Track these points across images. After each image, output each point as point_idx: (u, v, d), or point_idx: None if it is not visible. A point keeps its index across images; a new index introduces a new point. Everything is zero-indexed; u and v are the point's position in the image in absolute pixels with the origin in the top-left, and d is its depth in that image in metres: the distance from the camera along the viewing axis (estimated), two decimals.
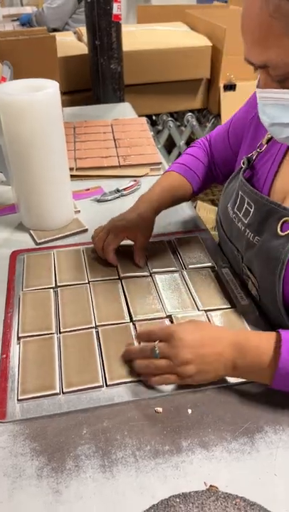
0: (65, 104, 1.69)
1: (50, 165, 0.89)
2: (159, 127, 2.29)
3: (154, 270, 0.81)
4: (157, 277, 0.80)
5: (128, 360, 0.63)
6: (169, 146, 2.42)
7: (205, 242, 0.90)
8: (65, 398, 0.59)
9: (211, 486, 0.50)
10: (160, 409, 0.59)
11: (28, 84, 0.86)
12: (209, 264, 0.83)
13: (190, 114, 2.28)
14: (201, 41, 2.14)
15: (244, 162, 0.74)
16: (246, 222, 0.70)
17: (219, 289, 0.77)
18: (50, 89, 0.83)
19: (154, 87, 2.09)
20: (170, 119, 2.24)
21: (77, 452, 0.54)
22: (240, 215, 0.72)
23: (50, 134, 0.86)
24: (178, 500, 0.46)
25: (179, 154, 2.37)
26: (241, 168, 0.75)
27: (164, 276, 0.80)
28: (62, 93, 1.75)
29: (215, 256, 0.85)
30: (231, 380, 0.61)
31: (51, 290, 0.77)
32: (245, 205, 0.71)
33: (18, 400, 0.59)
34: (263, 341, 0.58)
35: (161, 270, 0.82)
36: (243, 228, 0.71)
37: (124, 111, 1.69)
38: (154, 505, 0.45)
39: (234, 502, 0.46)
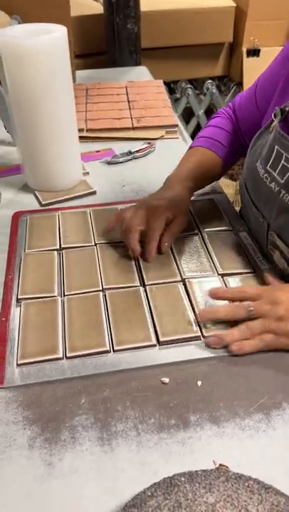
0: (79, 67, 1.61)
1: (56, 119, 0.83)
2: (177, 95, 2.19)
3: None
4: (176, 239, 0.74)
5: (213, 318, 0.58)
6: (188, 115, 2.31)
7: (221, 204, 0.83)
8: (69, 363, 0.54)
9: (220, 465, 0.45)
10: (167, 380, 0.53)
11: (35, 28, 0.79)
12: (226, 227, 0.76)
13: (210, 81, 2.16)
14: (224, 1, 2.02)
15: (276, 114, 0.65)
16: (282, 181, 0.62)
17: (238, 253, 0.71)
18: (56, 33, 0.76)
19: (172, 51, 1.98)
20: (189, 86, 2.13)
21: (74, 423, 0.49)
22: (275, 174, 0.63)
23: (56, 82, 0.79)
24: (183, 479, 0.41)
25: (198, 124, 2.27)
26: (272, 121, 0.67)
27: (181, 239, 0.74)
28: (76, 56, 1.67)
29: (232, 220, 0.79)
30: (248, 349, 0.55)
31: (55, 252, 0.72)
32: (283, 161, 0.62)
33: (17, 364, 0.54)
34: None
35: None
36: (276, 189, 0.63)
37: (140, 75, 1.60)
38: (155, 484, 0.40)
39: (247, 484, 0.40)
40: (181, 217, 0.71)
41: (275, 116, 0.66)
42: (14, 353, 0.55)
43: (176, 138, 1.13)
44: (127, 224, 0.69)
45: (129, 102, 1.27)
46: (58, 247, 0.73)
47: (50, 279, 0.66)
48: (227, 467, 0.44)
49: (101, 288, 0.65)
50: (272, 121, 0.66)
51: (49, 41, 0.75)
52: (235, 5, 1.98)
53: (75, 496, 0.43)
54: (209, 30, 1.95)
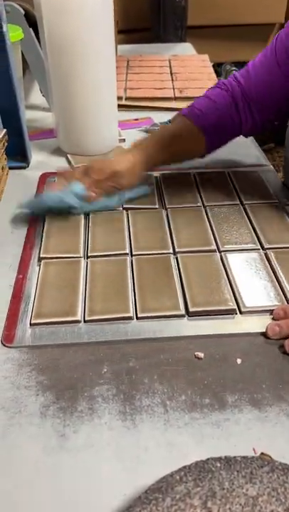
0: (121, 43, 1.55)
1: (95, 79, 0.77)
2: (221, 78, 2.09)
3: (209, 204, 0.68)
4: (209, 210, 0.67)
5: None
6: None
7: (266, 176, 0.75)
8: (87, 328, 0.48)
9: (262, 453, 0.38)
10: (202, 355, 0.46)
11: None
12: (270, 200, 0.69)
13: None
14: None
15: None
16: None
17: (285, 227, 0.63)
18: None
19: (219, 30, 1.89)
20: (234, 68, 2.03)
21: (94, 393, 0.43)
22: None
23: (97, 39, 0.74)
24: (219, 464, 0.34)
25: None
26: None
27: (219, 209, 0.67)
28: (119, 31, 1.61)
29: (277, 192, 0.71)
30: None
31: (82, 214, 0.66)
32: None
33: (30, 324, 0.49)
34: None
35: (216, 204, 0.68)
36: None
37: (184, 51, 1.53)
38: (185, 467, 0.34)
39: None
40: (119, 180, 0.66)
41: None
42: (28, 311, 0.50)
43: None
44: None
45: (172, 74, 1.21)
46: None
47: (75, 239, 0.61)
48: (270, 457, 0.37)
49: (129, 252, 0.58)
50: None
51: None
52: None
53: (89, 473, 0.37)
54: (260, 9, 1.85)
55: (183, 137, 0.70)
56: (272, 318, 0.50)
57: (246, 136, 0.75)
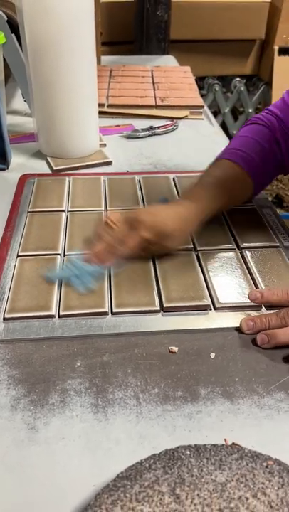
0: (104, 54, 1.57)
1: (76, 82, 0.78)
2: (203, 91, 2.13)
3: None
4: None
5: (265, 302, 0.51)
6: (213, 114, 2.25)
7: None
8: (61, 322, 0.48)
9: (233, 443, 0.38)
10: (175, 349, 0.47)
11: None
12: (248, 204, 0.70)
13: (238, 79, 2.10)
14: None
15: None
16: None
17: (261, 229, 0.64)
18: None
19: (201, 45, 1.93)
20: (216, 82, 2.08)
21: (66, 386, 0.43)
22: None
23: (79, 41, 0.74)
24: (188, 452, 0.34)
25: (223, 122, 2.21)
26: None
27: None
28: (103, 43, 1.63)
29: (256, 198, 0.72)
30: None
31: (62, 213, 0.66)
32: None
33: (4, 318, 0.48)
34: None
35: None
36: None
37: (167, 63, 1.55)
38: (155, 455, 0.34)
39: (265, 464, 0.33)
40: (166, 242, 0.55)
41: None
42: (2, 306, 0.49)
43: (201, 119, 1.07)
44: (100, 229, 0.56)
45: (154, 83, 1.22)
46: (64, 208, 0.67)
47: (54, 238, 0.60)
48: (241, 446, 0.37)
49: None
50: None
51: None
52: (269, 1, 1.92)
53: (59, 465, 0.36)
54: (241, 26, 1.89)
55: (232, 184, 0.61)
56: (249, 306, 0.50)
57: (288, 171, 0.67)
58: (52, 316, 0.48)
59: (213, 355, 0.46)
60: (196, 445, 0.34)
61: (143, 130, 0.96)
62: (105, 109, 1.05)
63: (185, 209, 0.57)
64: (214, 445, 0.34)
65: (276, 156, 0.63)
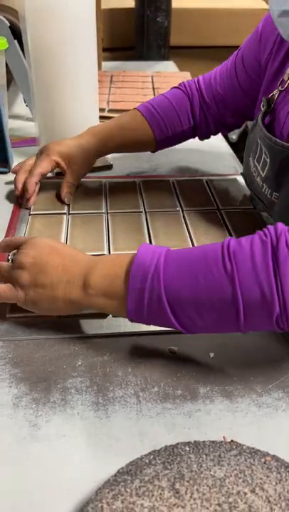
0: (105, 60, 1.59)
1: (76, 90, 0.79)
2: None
3: (187, 209, 0.70)
4: (186, 214, 0.68)
5: None
6: None
7: (241, 184, 0.77)
8: (63, 322, 0.49)
9: (231, 441, 0.38)
10: (176, 349, 0.47)
11: None
12: (245, 206, 0.71)
13: None
14: (258, 3, 1.98)
15: (263, 104, 0.60)
16: (263, 175, 0.58)
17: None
18: None
19: (200, 51, 1.94)
20: None
21: (67, 385, 0.43)
22: (259, 168, 0.59)
23: (80, 46, 0.76)
24: (188, 448, 0.34)
25: None
26: (261, 111, 0.61)
27: (196, 214, 0.69)
28: (104, 49, 1.65)
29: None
30: None
31: (64, 216, 0.67)
32: (263, 155, 0.58)
33: (6, 318, 0.49)
34: (121, 256, 0.44)
35: (193, 208, 0.70)
36: (261, 183, 0.59)
37: (167, 69, 1.57)
38: (155, 451, 0.34)
39: (263, 460, 0.34)
40: (75, 166, 0.70)
41: (262, 106, 0.60)
42: (5, 306, 0.50)
43: None
44: (21, 164, 0.72)
45: (154, 89, 1.24)
46: (65, 211, 0.68)
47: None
48: (239, 443, 0.38)
49: (107, 252, 0.59)
50: (261, 111, 0.61)
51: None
52: (267, 7, 1.94)
53: (61, 462, 0.37)
54: (241, 32, 1.90)
55: (133, 128, 0.73)
56: None
57: (201, 138, 0.78)
58: (53, 316, 0.49)
59: (212, 354, 0.47)
60: (195, 441, 0.35)
61: None
62: (106, 113, 1.06)
63: (85, 141, 0.71)
64: (213, 442, 0.35)
65: (184, 117, 0.73)
